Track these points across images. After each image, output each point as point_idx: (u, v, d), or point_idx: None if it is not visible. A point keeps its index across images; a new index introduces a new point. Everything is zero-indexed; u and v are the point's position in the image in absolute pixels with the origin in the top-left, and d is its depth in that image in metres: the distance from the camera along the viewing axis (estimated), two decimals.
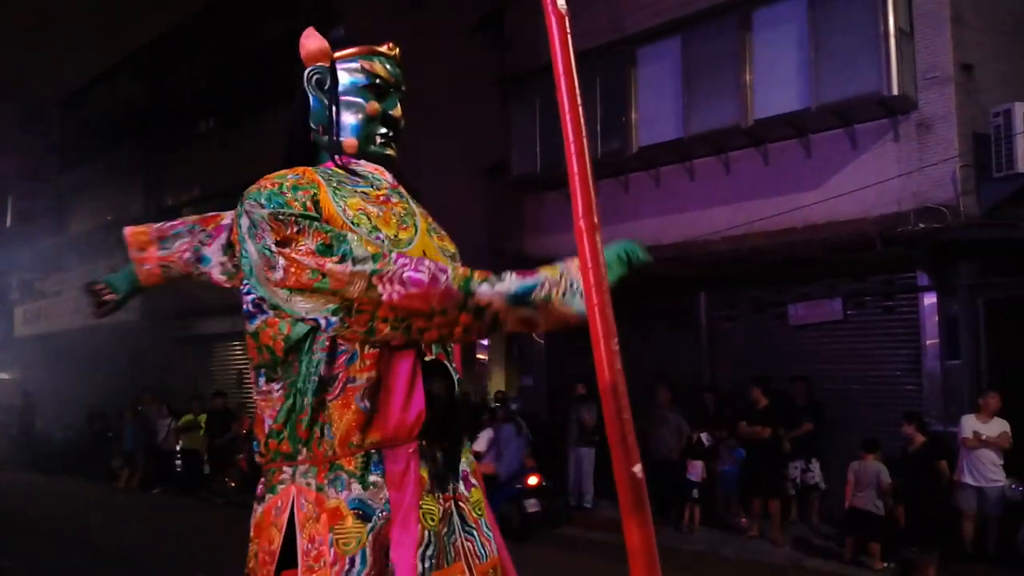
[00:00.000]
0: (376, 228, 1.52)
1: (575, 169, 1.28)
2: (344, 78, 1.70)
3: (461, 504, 1.58)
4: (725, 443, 8.35)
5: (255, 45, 15.06)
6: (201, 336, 15.86)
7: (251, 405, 10.53)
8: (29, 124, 21.90)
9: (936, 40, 7.86)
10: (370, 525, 1.42)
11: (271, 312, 1.47)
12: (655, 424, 8.63)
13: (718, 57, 9.16)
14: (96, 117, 19.60)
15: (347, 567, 1.39)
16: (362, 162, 1.69)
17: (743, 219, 8.72)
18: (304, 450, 1.46)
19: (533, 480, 8.39)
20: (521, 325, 1.40)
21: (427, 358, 1.53)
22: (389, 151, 1.72)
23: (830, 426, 8.13)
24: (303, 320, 1.42)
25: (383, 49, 1.74)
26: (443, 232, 1.75)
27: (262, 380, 1.52)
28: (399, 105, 1.73)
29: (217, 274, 1.94)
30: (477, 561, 1.55)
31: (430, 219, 1.73)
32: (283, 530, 1.45)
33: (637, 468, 1.16)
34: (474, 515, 1.59)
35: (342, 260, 1.37)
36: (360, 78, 1.70)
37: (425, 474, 1.49)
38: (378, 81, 1.70)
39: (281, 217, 1.42)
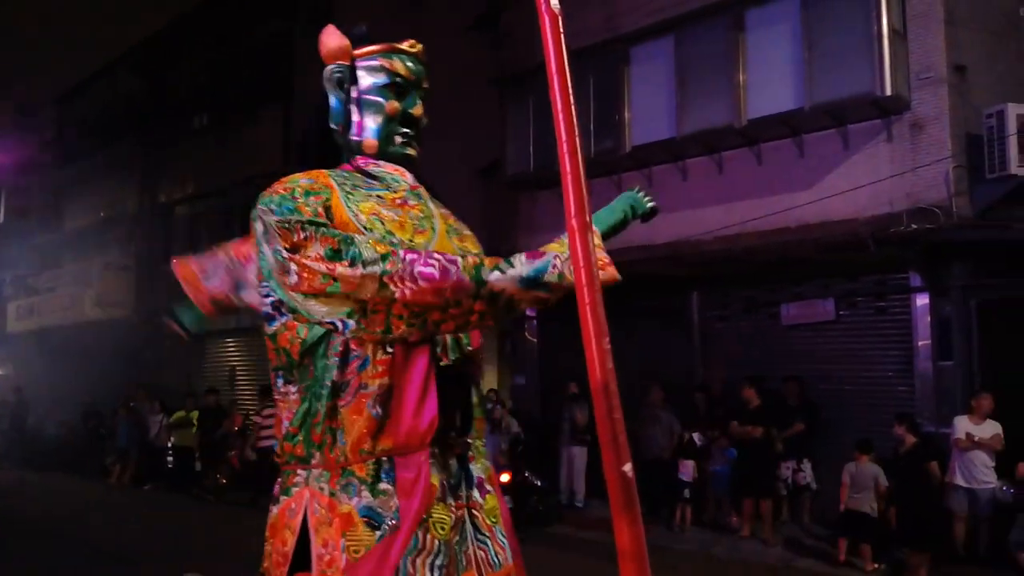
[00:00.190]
0: (390, 233, 1.51)
1: (567, 168, 1.28)
2: (364, 77, 1.68)
3: (475, 512, 1.57)
4: (717, 443, 8.37)
5: (252, 42, 15.02)
6: (194, 333, 15.82)
7: (243, 402, 10.52)
8: (24, 120, 21.79)
9: (929, 41, 7.89)
10: (379, 533, 1.42)
11: (290, 315, 1.48)
12: (647, 423, 8.64)
13: (711, 57, 9.17)
14: (92, 113, 19.52)
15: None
16: (381, 163, 1.67)
17: (736, 219, 8.74)
18: (317, 454, 1.46)
19: (505, 477, 8.44)
20: (536, 304, 1.42)
21: (442, 363, 1.52)
22: (410, 151, 1.70)
23: (822, 426, 8.15)
24: (320, 324, 1.42)
25: (404, 46, 1.73)
26: (466, 232, 1.74)
27: (280, 382, 1.53)
28: (420, 103, 1.72)
29: (255, 298, 1.93)
30: (490, 569, 1.54)
31: (452, 219, 1.72)
32: (297, 533, 1.45)
33: (627, 467, 1.16)
34: (488, 523, 1.58)
35: (352, 264, 1.37)
36: (380, 77, 1.68)
37: (437, 482, 1.49)
38: (398, 80, 1.69)
39: (287, 224, 1.43)
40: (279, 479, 1.56)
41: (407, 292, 1.35)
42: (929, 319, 7.81)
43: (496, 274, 1.38)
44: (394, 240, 1.51)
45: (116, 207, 18.42)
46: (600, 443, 1.17)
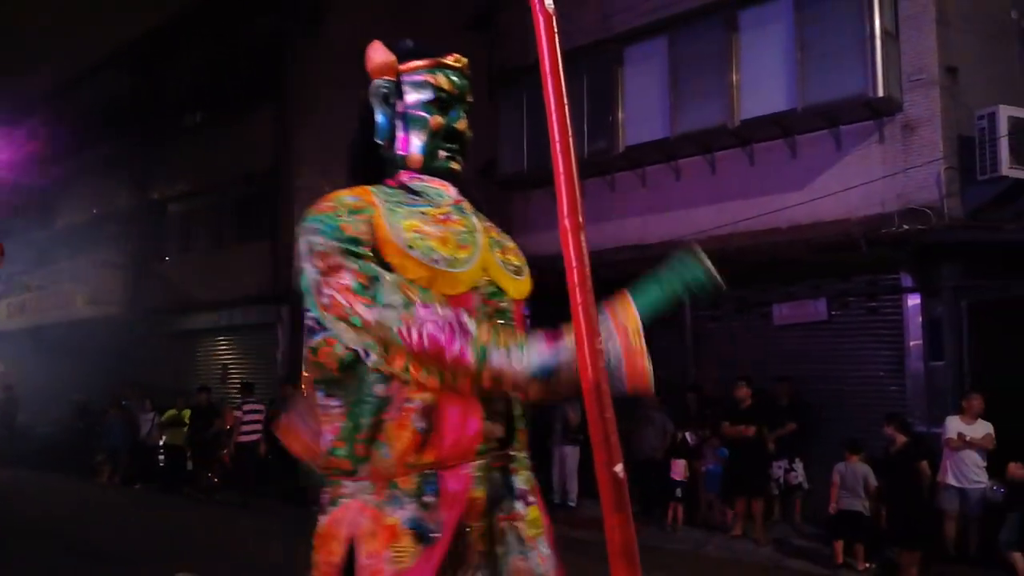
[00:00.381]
0: (432, 249, 1.54)
1: (560, 168, 1.29)
2: (409, 92, 1.70)
3: (517, 523, 1.58)
4: (709, 443, 8.39)
5: (246, 40, 14.97)
6: (187, 331, 15.76)
7: (235, 401, 10.39)
8: (15, 116, 21.66)
9: (921, 42, 7.92)
10: (423, 545, 1.45)
11: (331, 331, 1.51)
12: (640, 423, 8.66)
13: (704, 57, 9.19)
14: (85, 110, 19.42)
15: None
16: (425, 177, 1.69)
17: (728, 219, 8.76)
18: (363, 468, 1.49)
19: None
20: (542, 394, 1.43)
21: None
22: (454, 165, 1.72)
23: (814, 426, 8.18)
24: (347, 347, 1.47)
25: (449, 61, 1.73)
26: (509, 244, 1.76)
27: (321, 395, 1.56)
28: (464, 118, 1.74)
29: None
30: None
31: (494, 232, 1.74)
32: (345, 544, 1.48)
33: (619, 468, 1.16)
34: (530, 534, 1.60)
35: (371, 304, 1.41)
36: (425, 92, 1.69)
37: (481, 495, 1.52)
38: (443, 95, 1.70)
39: (322, 248, 1.46)
40: (327, 489, 1.58)
41: (414, 347, 1.40)
42: (920, 319, 7.85)
43: (501, 359, 1.39)
44: (436, 256, 1.53)
45: (109, 204, 18.33)
46: (592, 443, 1.18)
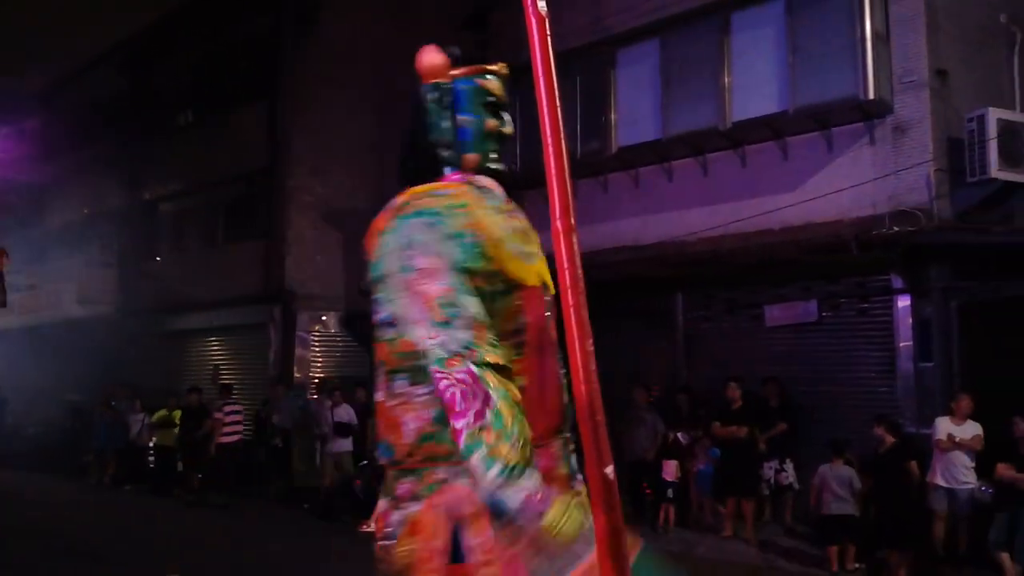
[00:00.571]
0: (517, 243, 1.63)
1: (552, 170, 1.29)
2: (463, 96, 1.76)
3: (583, 499, 1.64)
4: (700, 443, 8.42)
5: (239, 39, 14.92)
6: (178, 331, 15.69)
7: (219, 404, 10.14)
8: (5, 115, 21.51)
9: (912, 45, 7.97)
10: None
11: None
12: (631, 424, 8.67)
13: (697, 59, 9.22)
14: (76, 109, 19.31)
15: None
16: (480, 177, 1.75)
17: (720, 220, 8.79)
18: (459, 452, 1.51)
19: None
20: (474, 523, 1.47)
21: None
22: (501, 166, 1.80)
23: (804, 427, 8.21)
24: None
25: (495, 68, 1.81)
26: (535, 239, 1.84)
27: (401, 383, 1.56)
28: (509, 122, 1.82)
29: None
30: None
31: (529, 230, 1.83)
32: (448, 529, 1.50)
33: (609, 469, 1.17)
34: (588, 509, 1.67)
35: (445, 324, 1.45)
36: (479, 96, 1.77)
37: (564, 471, 1.62)
38: (494, 99, 1.78)
39: (422, 249, 1.51)
40: (408, 479, 1.58)
41: (436, 389, 1.46)
42: (910, 321, 7.89)
43: (478, 463, 1.40)
44: (523, 249, 1.63)
45: (100, 204, 18.23)
46: (582, 445, 1.18)
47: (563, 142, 1.32)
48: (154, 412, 12.19)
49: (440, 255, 1.49)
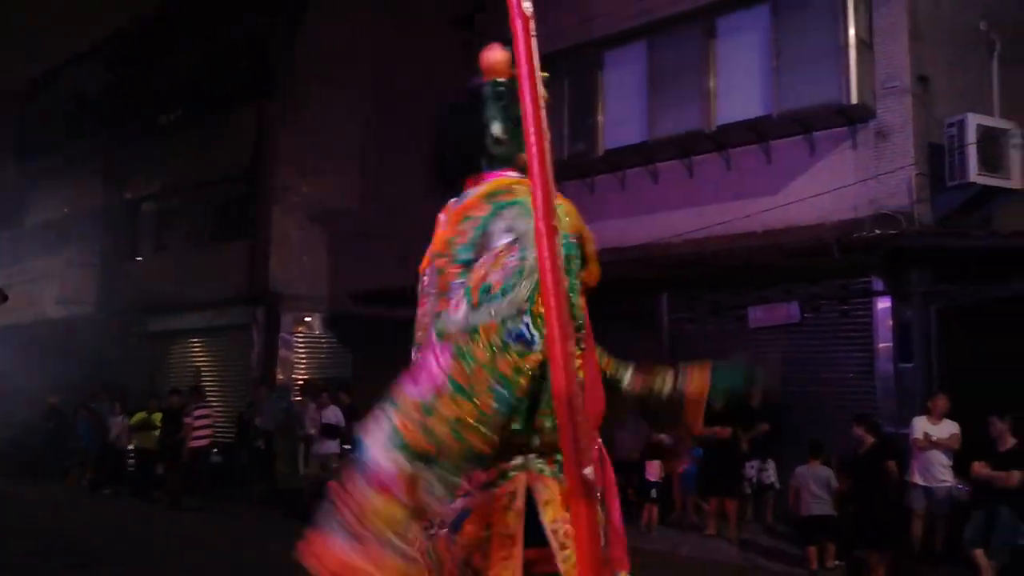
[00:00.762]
0: (566, 235, 1.65)
1: (536, 171, 1.30)
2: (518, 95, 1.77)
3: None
4: (683, 444, 8.45)
5: (226, 39, 14.79)
6: (160, 333, 15.53)
7: (208, 403, 10.14)
8: None
9: (894, 52, 8.06)
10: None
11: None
12: (615, 425, 8.70)
13: (683, 63, 9.27)
14: (57, 107, 19.08)
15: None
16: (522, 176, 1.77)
17: (705, 223, 8.84)
18: (537, 441, 1.57)
19: None
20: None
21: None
22: None
23: (786, 427, 8.27)
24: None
25: (544, 73, 1.82)
26: None
27: None
28: None
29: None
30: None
31: None
32: (522, 514, 1.53)
33: (589, 471, 1.17)
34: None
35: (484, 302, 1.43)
36: None
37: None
38: (544, 102, 1.78)
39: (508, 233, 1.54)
40: (485, 471, 1.58)
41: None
42: (891, 323, 7.97)
43: (382, 428, 1.34)
44: (572, 239, 1.68)
45: (81, 203, 18.01)
46: (562, 447, 1.19)
47: (547, 143, 1.32)
48: (134, 414, 12.06)
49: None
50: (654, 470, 8.41)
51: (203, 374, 14.43)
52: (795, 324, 8.67)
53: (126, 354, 15.60)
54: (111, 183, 17.04)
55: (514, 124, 1.72)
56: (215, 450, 12.47)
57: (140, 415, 11.87)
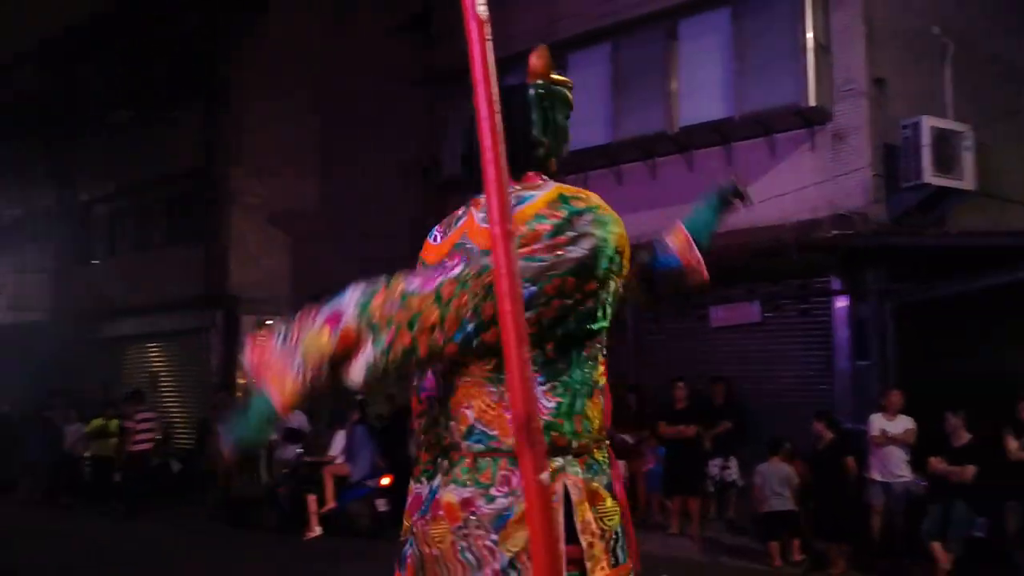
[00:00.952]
0: None
1: (491, 176, 1.27)
2: (557, 101, 1.85)
3: None
4: (647, 443, 8.51)
5: (175, 36, 14.48)
6: (115, 338, 15.14)
7: (165, 410, 9.93)
8: None
9: (851, 55, 8.21)
10: (616, 503, 1.69)
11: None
12: None
13: (646, 65, 9.34)
14: (4, 108, 18.50)
15: (613, 539, 1.65)
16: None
17: (668, 223, 8.89)
18: (575, 442, 1.63)
19: (386, 480, 8.66)
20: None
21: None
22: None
23: (748, 424, 8.38)
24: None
25: (567, 80, 1.91)
26: None
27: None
28: None
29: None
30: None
31: None
32: (560, 514, 1.57)
33: (544, 476, 1.16)
34: None
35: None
36: (566, 106, 1.88)
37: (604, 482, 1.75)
38: (570, 110, 1.89)
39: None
40: (508, 472, 1.60)
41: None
42: (848, 321, 8.12)
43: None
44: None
45: (31, 205, 17.49)
46: (517, 451, 1.17)
47: (501, 146, 1.30)
48: (90, 422, 11.73)
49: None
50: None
51: (161, 380, 14.13)
52: (756, 323, 8.78)
53: (81, 360, 15.19)
54: (63, 186, 16.59)
55: (554, 128, 1.80)
56: (178, 459, 12.23)
57: (97, 422, 11.54)
